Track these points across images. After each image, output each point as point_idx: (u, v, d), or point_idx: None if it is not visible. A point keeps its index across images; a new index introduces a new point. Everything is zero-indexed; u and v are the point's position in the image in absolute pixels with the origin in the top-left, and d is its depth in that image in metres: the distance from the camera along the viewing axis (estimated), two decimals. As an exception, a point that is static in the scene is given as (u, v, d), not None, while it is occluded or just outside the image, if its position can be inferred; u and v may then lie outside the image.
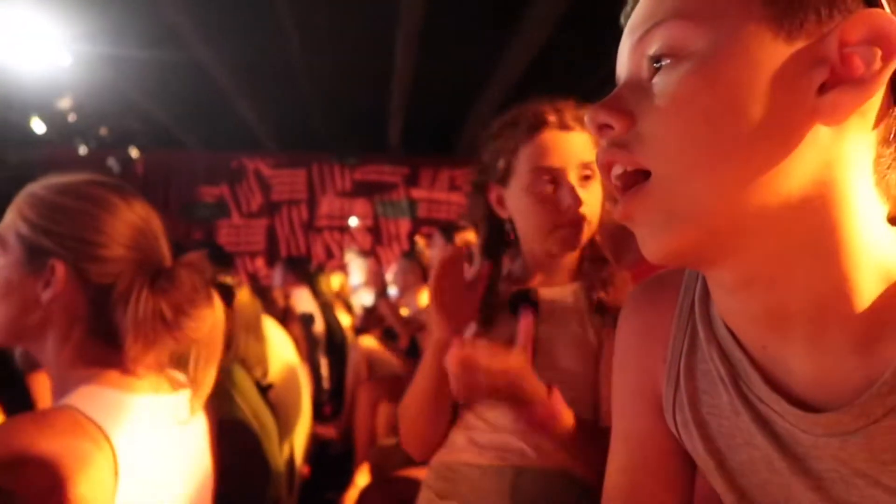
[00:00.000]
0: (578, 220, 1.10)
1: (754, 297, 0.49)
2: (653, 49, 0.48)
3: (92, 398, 0.80)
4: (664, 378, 0.62)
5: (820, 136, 0.44)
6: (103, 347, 0.86)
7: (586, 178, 1.11)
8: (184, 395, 0.94)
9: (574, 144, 1.10)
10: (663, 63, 0.47)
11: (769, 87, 0.44)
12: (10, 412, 1.14)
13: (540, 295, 1.14)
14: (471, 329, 1.15)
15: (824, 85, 0.44)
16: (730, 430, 0.55)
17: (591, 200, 1.11)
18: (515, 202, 1.15)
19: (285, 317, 3.30)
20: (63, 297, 0.84)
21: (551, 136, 1.10)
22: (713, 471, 0.57)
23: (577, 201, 1.08)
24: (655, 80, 0.48)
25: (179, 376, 0.97)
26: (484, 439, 1.10)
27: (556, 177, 1.10)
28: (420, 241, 5.44)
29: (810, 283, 0.47)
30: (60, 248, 0.84)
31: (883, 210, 0.48)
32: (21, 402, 1.19)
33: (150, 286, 0.87)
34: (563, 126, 1.11)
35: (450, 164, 8.89)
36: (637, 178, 0.49)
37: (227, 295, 1.61)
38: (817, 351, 0.48)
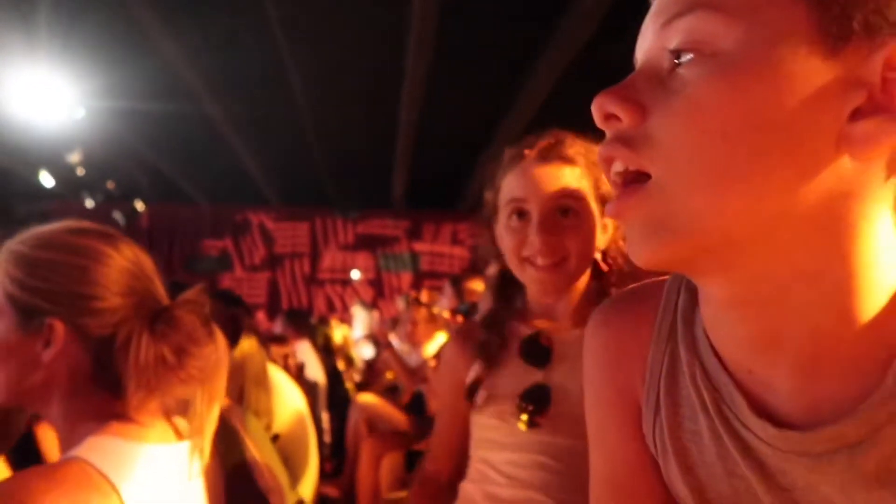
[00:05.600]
0: (546, 256, 1.04)
1: (746, 318, 0.46)
2: (675, 42, 0.43)
3: (100, 449, 0.78)
4: (643, 400, 0.57)
5: (843, 165, 0.40)
6: (108, 397, 0.84)
7: (566, 211, 1.04)
8: (188, 445, 0.91)
9: (549, 177, 1.04)
10: (684, 58, 0.43)
11: (797, 105, 0.40)
12: (16, 463, 1.11)
13: (554, 338, 1.10)
14: (475, 370, 1.11)
15: (858, 111, 0.40)
16: (711, 459, 0.51)
17: (571, 235, 1.04)
18: (500, 238, 1.12)
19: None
20: (65, 355, 0.82)
21: (526, 169, 1.06)
22: (689, 500, 0.54)
23: (539, 236, 1.03)
24: (675, 74, 0.43)
25: (185, 424, 0.95)
26: (506, 494, 1.06)
27: (524, 209, 1.05)
28: (413, 294, 5.39)
29: (809, 310, 0.44)
30: (55, 307, 0.82)
31: None
32: (28, 453, 1.17)
33: (149, 331, 0.84)
34: (541, 158, 1.05)
35: (452, 218, 8.97)
36: (638, 177, 0.45)
37: (236, 329, 1.60)
38: (808, 377, 0.45)
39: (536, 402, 1.05)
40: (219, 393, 0.92)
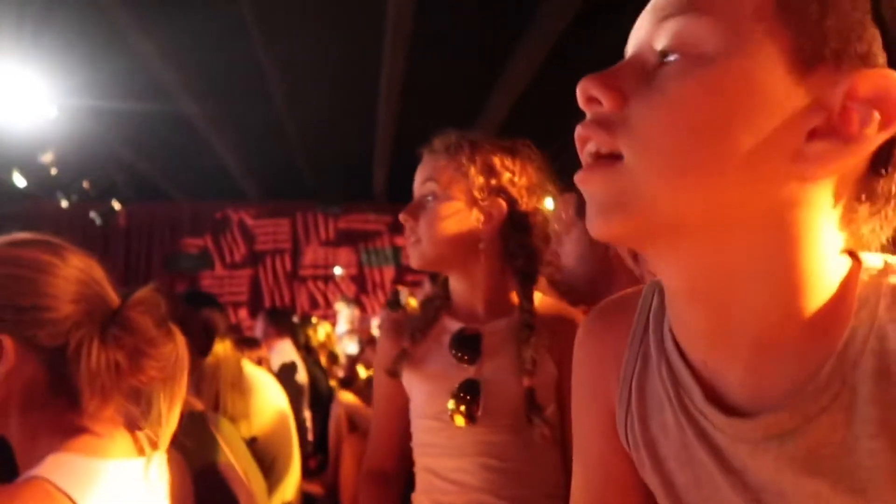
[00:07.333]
0: (407, 235, 1.15)
1: (699, 310, 0.50)
2: (663, 42, 0.46)
3: (62, 467, 0.77)
4: (616, 398, 0.61)
5: (795, 178, 0.44)
6: (67, 409, 0.83)
7: (427, 197, 1.13)
8: (152, 458, 0.89)
9: (423, 167, 1.16)
10: (669, 57, 0.46)
11: (763, 116, 0.43)
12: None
13: (483, 332, 1.10)
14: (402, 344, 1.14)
15: (815, 131, 0.43)
16: (676, 449, 0.54)
17: (423, 219, 1.12)
18: None
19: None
20: (18, 369, 0.81)
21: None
22: (660, 491, 0.57)
23: (402, 216, 1.14)
24: (659, 70, 0.46)
25: (146, 436, 0.92)
26: (456, 501, 1.06)
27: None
28: (403, 289, 5.42)
29: (755, 305, 0.47)
30: (1, 323, 0.80)
31: (839, 242, 0.47)
32: (6, 465, 1.14)
33: (100, 337, 0.83)
34: (428, 151, 1.16)
35: (434, 212, 8.93)
36: (608, 158, 0.48)
37: (209, 338, 1.58)
38: (754, 368, 0.48)
39: (472, 394, 1.05)
40: (181, 393, 0.90)
